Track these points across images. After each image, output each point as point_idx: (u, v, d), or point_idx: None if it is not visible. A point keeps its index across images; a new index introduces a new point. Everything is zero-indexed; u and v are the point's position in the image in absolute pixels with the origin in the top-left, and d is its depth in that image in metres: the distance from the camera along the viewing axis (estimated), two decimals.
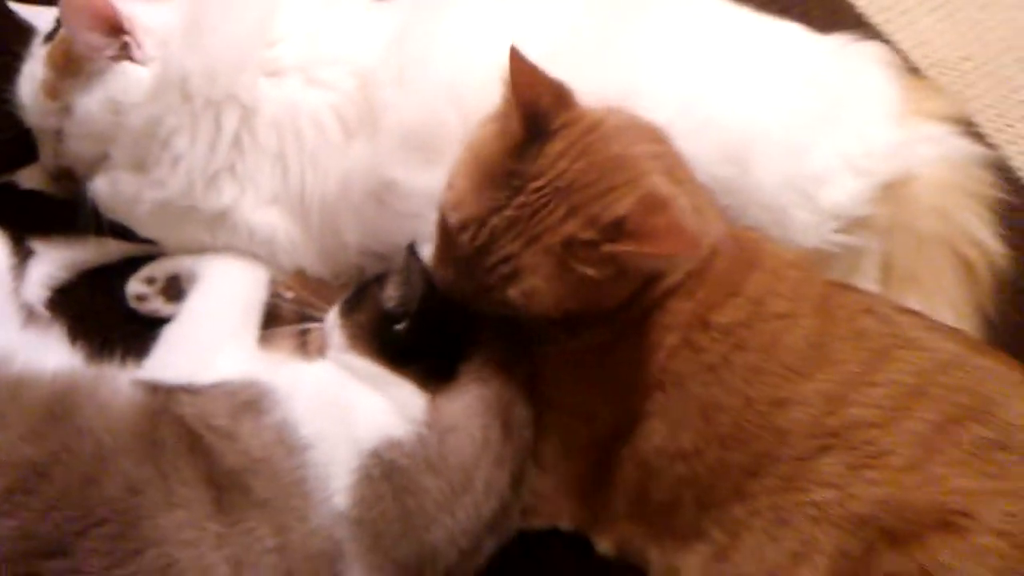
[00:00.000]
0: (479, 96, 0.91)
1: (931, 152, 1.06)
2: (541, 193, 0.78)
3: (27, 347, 0.84)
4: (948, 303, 1.02)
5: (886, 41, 1.31)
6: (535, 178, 0.79)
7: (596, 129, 0.82)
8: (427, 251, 0.91)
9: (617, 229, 0.77)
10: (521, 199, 0.79)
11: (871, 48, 1.12)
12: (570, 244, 0.78)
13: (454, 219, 0.81)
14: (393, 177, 0.95)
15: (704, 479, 0.83)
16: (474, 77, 0.93)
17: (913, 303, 1.00)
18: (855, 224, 1.01)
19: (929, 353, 0.83)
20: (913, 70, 1.28)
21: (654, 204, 0.78)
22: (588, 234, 0.78)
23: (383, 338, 0.86)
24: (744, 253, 0.89)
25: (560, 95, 0.81)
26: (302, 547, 0.75)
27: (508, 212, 0.79)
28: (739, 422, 0.82)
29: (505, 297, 0.81)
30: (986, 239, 1.05)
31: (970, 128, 1.20)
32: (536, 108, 0.79)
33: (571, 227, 0.78)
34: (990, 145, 1.22)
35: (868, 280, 1.03)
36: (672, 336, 0.85)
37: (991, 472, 0.75)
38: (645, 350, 0.86)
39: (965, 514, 0.72)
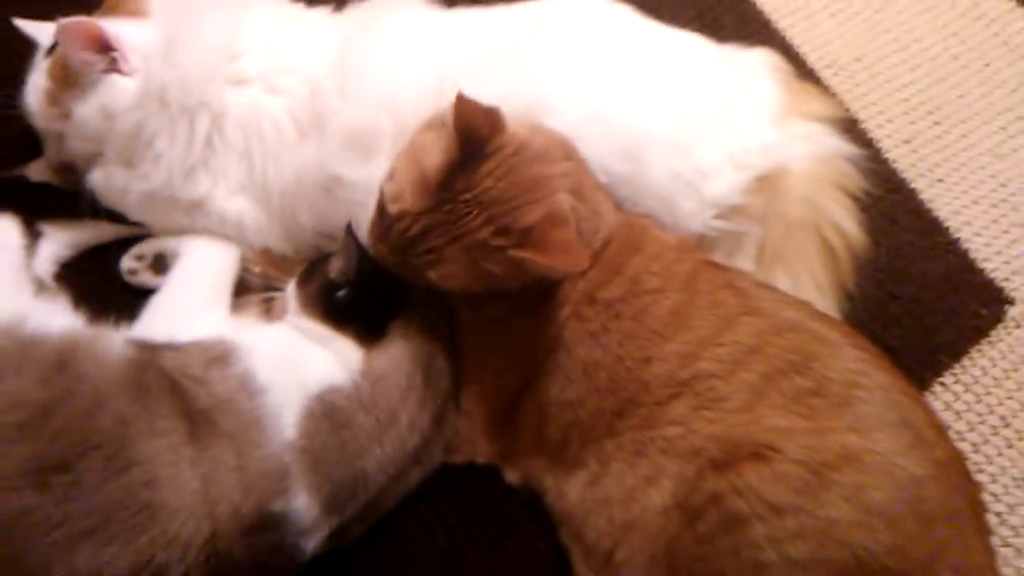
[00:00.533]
0: (409, 105, 1.07)
1: (805, 149, 1.20)
2: (467, 204, 0.94)
3: (38, 312, 1.00)
4: (811, 280, 1.17)
5: (787, 45, 1.46)
6: (464, 191, 0.94)
7: (520, 152, 0.97)
8: (365, 231, 1.08)
9: (523, 237, 0.94)
10: (450, 206, 0.94)
11: (761, 56, 1.25)
12: (483, 247, 0.94)
13: (393, 209, 0.97)
14: (338, 172, 1.09)
15: (585, 422, 1.01)
16: (404, 89, 1.08)
17: (781, 280, 1.16)
18: (733, 211, 1.15)
19: (769, 319, 1.00)
20: (807, 72, 1.42)
21: (556, 221, 0.95)
22: (499, 241, 0.94)
23: (328, 303, 1.05)
24: (631, 238, 1.06)
25: (494, 124, 0.95)
26: (258, 468, 0.93)
27: (438, 215, 0.95)
28: (612, 376, 0.99)
29: (425, 276, 0.98)
30: (847, 225, 1.20)
31: (851, 125, 1.36)
32: (472, 137, 0.93)
33: (485, 234, 0.94)
34: (869, 140, 1.38)
35: (746, 260, 1.18)
36: (565, 309, 1.02)
37: (803, 414, 0.92)
38: (543, 320, 1.03)
39: (772, 447, 0.89)
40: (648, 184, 1.12)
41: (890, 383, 0.96)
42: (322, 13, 1.21)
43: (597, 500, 0.99)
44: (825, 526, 0.87)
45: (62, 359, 0.94)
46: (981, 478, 1.12)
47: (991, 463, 1.13)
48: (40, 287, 1.09)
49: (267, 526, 0.93)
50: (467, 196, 0.95)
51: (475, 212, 0.94)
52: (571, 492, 1.02)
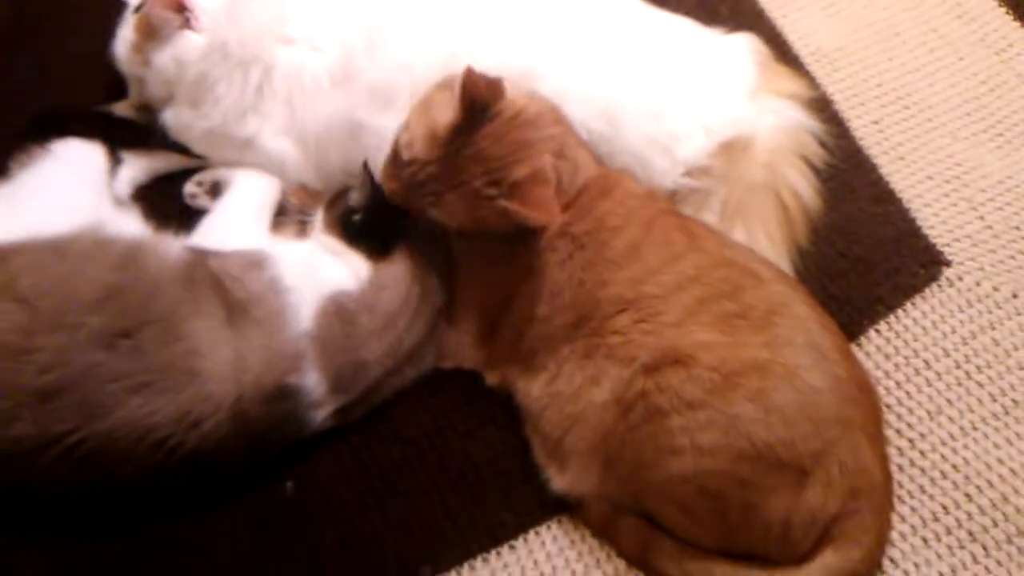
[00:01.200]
0: (424, 67, 1.27)
1: (772, 121, 1.37)
2: (466, 159, 1.12)
3: (115, 220, 1.24)
4: (765, 235, 1.34)
5: (776, 33, 1.62)
6: (464, 148, 1.12)
7: (516, 118, 1.14)
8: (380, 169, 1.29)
9: (510, 190, 1.12)
10: (452, 159, 1.12)
11: (742, 39, 1.42)
12: (477, 195, 1.13)
13: (405, 155, 1.16)
14: (361, 119, 1.30)
15: (550, 333, 1.20)
16: (420, 53, 1.28)
17: (739, 233, 1.33)
18: (700, 172, 1.32)
19: (711, 256, 1.17)
20: (792, 58, 1.58)
21: (538, 180, 1.13)
22: (490, 191, 1.13)
23: (345, 225, 1.27)
24: (604, 187, 1.23)
25: (495, 93, 1.13)
26: (279, 348, 1.15)
27: (442, 165, 1.13)
28: (573, 296, 1.18)
29: (427, 212, 1.17)
30: (803, 190, 1.37)
31: (824, 106, 1.52)
32: (475, 105, 1.11)
33: (479, 184, 1.13)
34: (841, 120, 1.54)
35: (711, 215, 1.34)
36: (543, 240, 1.21)
37: (725, 331, 1.10)
38: (522, 250, 1.21)
39: (691, 356, 1.08)
40: (625, 143, 1.30)
41: (807, 314, 1.13)
42: None
43: (552, 396, 1.18)
44: (729, 420, 1.05)
45: (131, 254, 1.18)
46: (900, 410, 1.27)
47: (911, 398, 1.28)
48: (118, 202, 1.33)
49: (283, 396, 1.15)
50: (467, 152, 1.12)
51: (472, 166, 1.13)
52: (534, 390, 1.21)
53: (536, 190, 1.12)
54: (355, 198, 1.27)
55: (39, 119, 1.42)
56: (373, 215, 1.25)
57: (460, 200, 1.15)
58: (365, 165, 1.25)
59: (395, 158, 1.19)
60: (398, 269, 1.26)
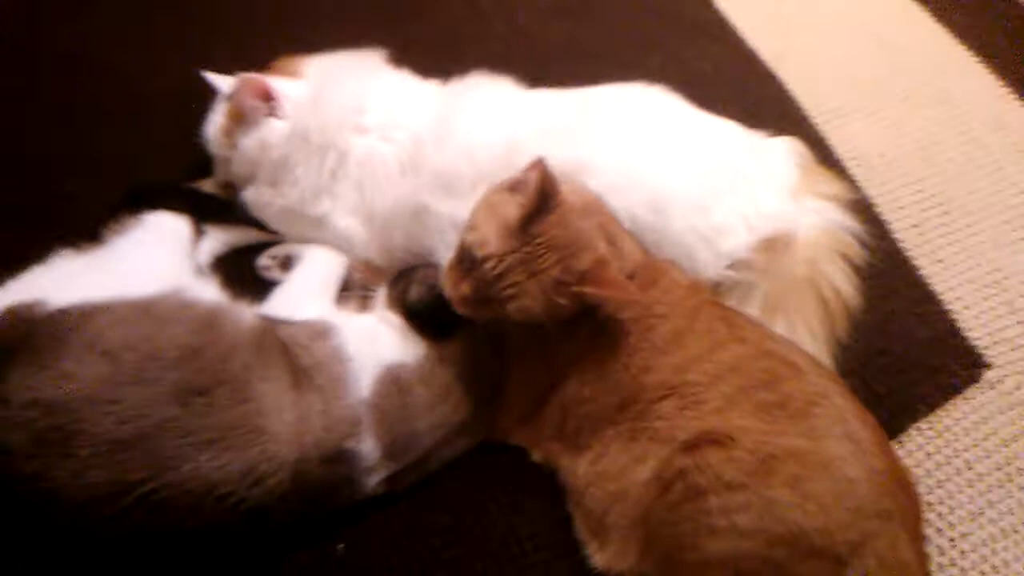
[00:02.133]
0: (484, 157, 1.38)
1: (813, 220, 1.44)
2: (540, 247, 1.17)
3: (196, 286, 1.33)
4: (806, 328, 1.39)
5: (819, 138, 1.71)
6: (538, 236, 1.17)
7: (572, 208, 1.21)
8: (449, 253, 1.35)
9: (581, 277, 1.18)
10: (529, 249, 1.17)
11: (785, 142, 1.51)
12: (555, 284, 1.18)
13: (478, 253, 1.18)
14: (426, 203, 1.40)
15: (595, 414, 1.25)
16: (481, 145, 1.38)
17: (780, 326, 1.38)
18: (743, 265, 1.39)
19: (752, 347, 1.22)
20: (834, 162, 1.66)
21: (603, 264, 1.20)
22: (566, 278, 1.19)
23: (406, 305, 1.35)
24: (650, 276, 1.30)
25: (555, 184, 1.20)
26: (339, 413, 1.22)
27: (520, 255, 1.18)
28: (618, 380, 1.23)
29: (504, 309, 1.20)
30: (843, 287, 1.42)
31: (864, 208, 1.59)
32: (547, 192, 1.18)
33: (557, 271, 1.18)
34: (881, 222, 1.60)
35: (753, 307, 1.40)
36: (591, 326, 1.25)
37: (764, 419, 1.14)
38: (573, 334, 1.26)
39: (731, 437, 1.12)
40: (670, 235, 1.37)
41: (845, 407, 1.17)
42: (432, 84, 1.55)
43: (597, 474, 1.23)
44: (767, 503, 1.08)
45: (209, 319, 1.27)
46: (941, 509, 1.29)
47: (952, 497, 1.29)
48: (198, 270, 1.44)
49: (340, 459, 1.22)
50: (540, 240, 1.18)
51: (548, 254, 1.19)
52: (579, 468, 1.26)
53: (605, 273, 1.19)
54: (416, 295, 1.35)
55: (133, 192, 1.55)
56: (432, 305, 1.32)
57: (539, 289, 1.19)
58: (430, 267, 1.35)
59: (463, 261, 1.22)
60: (455, 347, 1.33)
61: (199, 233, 1.50)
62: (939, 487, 1.31)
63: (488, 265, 1.19)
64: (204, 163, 1.61)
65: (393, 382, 1.27)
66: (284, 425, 1.20)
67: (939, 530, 1.27)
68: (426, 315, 1.34)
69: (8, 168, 1.69)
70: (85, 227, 1.47)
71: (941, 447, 1.34)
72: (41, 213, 1.62)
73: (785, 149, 1.50)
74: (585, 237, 1.21)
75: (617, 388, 1.24)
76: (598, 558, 1.22)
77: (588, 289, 1.17)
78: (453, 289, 1.23)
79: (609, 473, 1.22)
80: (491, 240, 1.19)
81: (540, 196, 1.18)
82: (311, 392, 1.24)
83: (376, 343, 1.32)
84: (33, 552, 1.24)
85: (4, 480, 1.18)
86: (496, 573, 1.24)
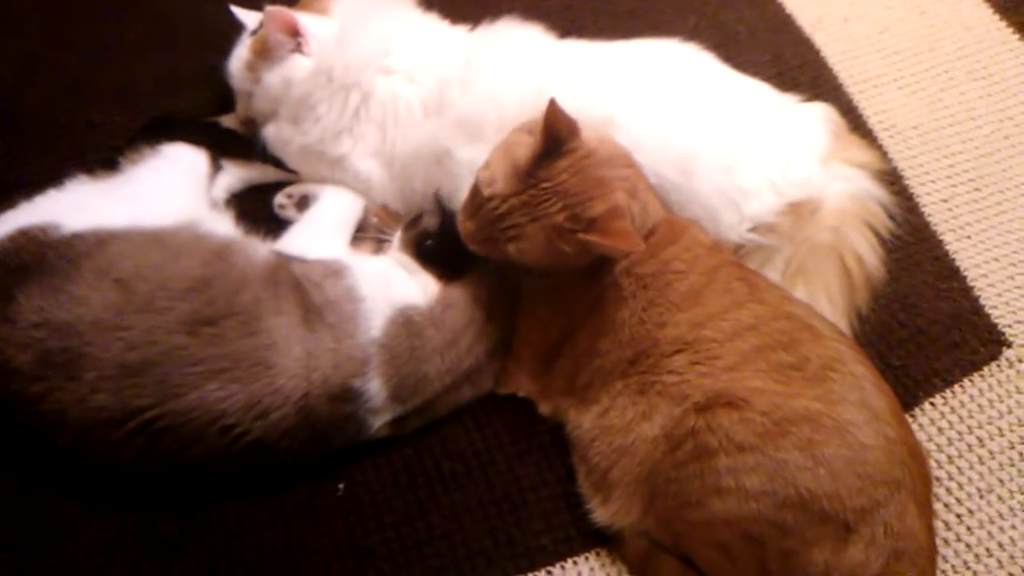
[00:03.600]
0: (512, 104, 1.34)
1: (841, 187, 1.40)
2: (546, 191, 1.17)
3: (210, 220, 1.34)
4: (826, 295, 1.35)
5: (853, 106, 1.66)
6: (544, 180, 1.17)
7: (590, 156, 1.20)
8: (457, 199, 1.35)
9: (590, 224, 1.16)
10: (532, 192, 1.18)
11: (817, 107, 1.47)
12: (558, 229, 1.17)
13: (486, 191, 1.21)
14: (448, 148, 1.37)
15: (607, 368, 1.23)
16: (509, 92, 1.35)
17: (800, 292, 1.35)
18: (767, 229, 1.36)
19: (771, 308, 1.20)
20: (866, 131, 1.62)
21: (616, 214, 1.17)
22: (571, 225, 1.17)
23: (420, 247, 1.34)
24: (672, 233, 1.28)
25: (572, 129, 1.19)
26: (348, 352, 1.21)
27: (524, 197, 1.18)
28: (633, 333, 1.22)
29: (505, 249, 1.21)
30: (867, 256, 1.39)
31: (894, 179, 1.55)
32: (555, 135, 1.17)
33: (560, 218, 1.17)
34: (910, 195, 1.56)
35: (774, 271, 1.37)
36: (608, 278, 1.25)
37: (779, 380, 1.12)
38: (588, 286, 1.26)
39: (744, 400, 1.10)
40: (695, 194, 1.34)
41: (862, 373, 1.15)
42: (461, 29, 1.52)
43: (603, 428, 1.21)
44: (777, 465, 1.06)
45: (222, 251, 1.26)
46: (950, 484, 1.26)
47: (962, 474, 1.27)
48: (214, 204, 1.44)
49: (347, 397, 1.21)
50: (547, 185, 1.18)
51: (552, 199, 1.18)
52: (585, 422, 1.24)
53: (615, 223, 1.16)
54: (429, 223, 1.34)
55: (153, 123, 1.54)
56: (445, 241, 1.32)
57: (540, 233, 1.18)
58: (437, 193, 1.32)
59: (474, 197, 1.24)
60: (467, 291, 1.32)
61: (216, 168, 1.49)
62: (950, 463, 1.29)
63: (491, 205, 1.19)
64: (228, 98, 1.59)
65: (404, 324, 1.26)
66: (292, 360, 1.19)
67: (947, 505, 1.25)
68: (437, 247, 1.32)
69: (39, 94, 1.69)
70: (105, 155, 1.47)
71: (954, 423, 1.32)
72: (64, 139, 1.62)
73: (817, 114, 1.46)
74: (600, 186, 1.19)
75: (631, 342, 1.22)
76: (600, 513, 1.21)
77: (592, 237, 1.15)
78: (462, 224, 1.24)
79: (616, 427, 1.20)
80: (498, 180, 1.19)
81: (548, 139, 1.17)
82: (321, 329, 1.23)
83: (389, 285, 1.30)
84: (37, 471, 1.25)
85: (10, 400, 1.19)
86: (496, 522, 1.23)
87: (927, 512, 1.12)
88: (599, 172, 1.21)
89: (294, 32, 1.44)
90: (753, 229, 1.37)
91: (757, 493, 1.07)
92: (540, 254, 1.20)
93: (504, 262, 1.26)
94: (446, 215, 1.31)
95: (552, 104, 1.16)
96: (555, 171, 1.18)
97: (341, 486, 1.26)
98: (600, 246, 1.16)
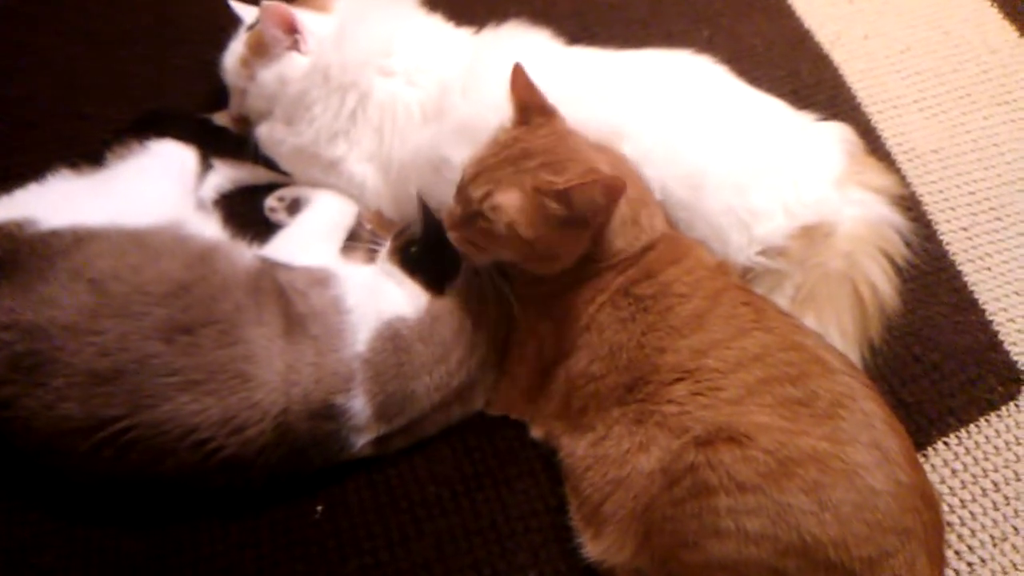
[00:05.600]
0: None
1: (856, 212, 1.34)
2: (525, 151, 1.12)
3: (195, 221, 1.28)
4: (837, 325, 1.29)
5: (871, 128, 1.60)
6: (523, 141, 1.13)
7: (573, 135, 1.17)
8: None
9: (569, 178, 1.09)
10: (508, 151, 1.13)
11: (834, 127, 1.41)
12: (538, 184, 1.09)
13: (465, 169, 1.15)
14: (447, 155, 1.31)
15: (602, 393, 1.17)
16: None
17: (809, 320, 1.28)
18: (777, 252, 1.30)
19: (778, 337, 1.14)
20: (884, 154, 1.56)
21: (595, 170, 1.12)
22: (550, 177, 1.09)
23: (405, 254, 1.28)
24: (674, 252, 1.22)
25: (544, 104, 1.16)
26: (331, 367, 1.15)
27: (501, 156, 1.12)
28: (631, 358, 1.16)
29: (484, 216, 1.11)
30: (881, 285, 1.33)
31: (912, 204, 1.49)
32: (528, 102, 1.14)
33: (539, 170, 1.10)
34: (929, 221, 1.50)
35: (784, 297, 1.31)
36: (603, 296, 1.19)
37: (785, 416, 1.05)
38: (583, 303, 1.20)
39: (748, 436, 1.03)
40: (703, 212, 1.29)
41: (873, 411, 1.08)
42: (465, 31, 1.46)
43: (597, 458, 1.15)
44: (780, 509, 0.99)
45: (205, 255, 1.20)
46: (962, 531, 1.20)
47: (975, 520, 1.21)
48: (201, 205, 1.37)
49: (328, 415, 1.15)
50: (525, 145, 1.13)
51: (531, 157, 1.12)
52: (579, 449, 1.18)
53: (592, 174, 1.10)
54: (414, 229, 1.28)
55: (142, 117, 1.48)
56: (429, 247, 1.26)
57: (515, 182, 1.11)
58: (419, 198, 1.26)
59: (460, 194, 1.18)
60: (455, 304, 1.25)
61: (206, 167, 1.43)
62: (962, 507, 1.22)
63: (469, 171, 1.14)
64: (221, 94, 1.53)
65: (391, 338, 1.20)
66: (272, 373, 1.13)
67: (958, 553, 1.19)
68: (422, 254, 1.26)
69: (28, 85, 1.63)
70: (95, 149, 1.42)
71: (969, 465, 1.26)
72: (54, 132, 1.56)
73: (834, 135, 1.40)
74: (582, 154, 1.15)
75: (628, 367, 1.16)
76: (591, 548, 1.14)
77: (574, 182, 1.07)
78: (448, 216, 1.18)
79: (610, 457, 1.14)
80: (478, 152, 1.16)
81: (520, 107, 1.16)
82: (304, 341, 1.17)
83: (377, 296, 1.24)
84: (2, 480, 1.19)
85: None
86: (481, 553, 1.17)
87: (939, 562, 1.05)
88: (580, 145, 1.17)
89: (292, 28, 1.39)
90: (763, 252, 1.30)
91: (758, 537, 1.00)
92: (517, 213, 1.10)
93: (487, 264, 1.20)
94: (430, 220, 1.24)
95: (517, 70, 1.15)
96: (533, 134, 1.15)
97: (319, 508, 1.20)
98: (580, 189, 1.07)
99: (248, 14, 1.50)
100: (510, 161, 1.13)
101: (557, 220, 1.11)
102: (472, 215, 1.14)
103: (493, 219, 1.11)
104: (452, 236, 1.18)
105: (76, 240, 1.16)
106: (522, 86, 1.16)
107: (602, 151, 1.20)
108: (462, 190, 1.16)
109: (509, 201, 1.10)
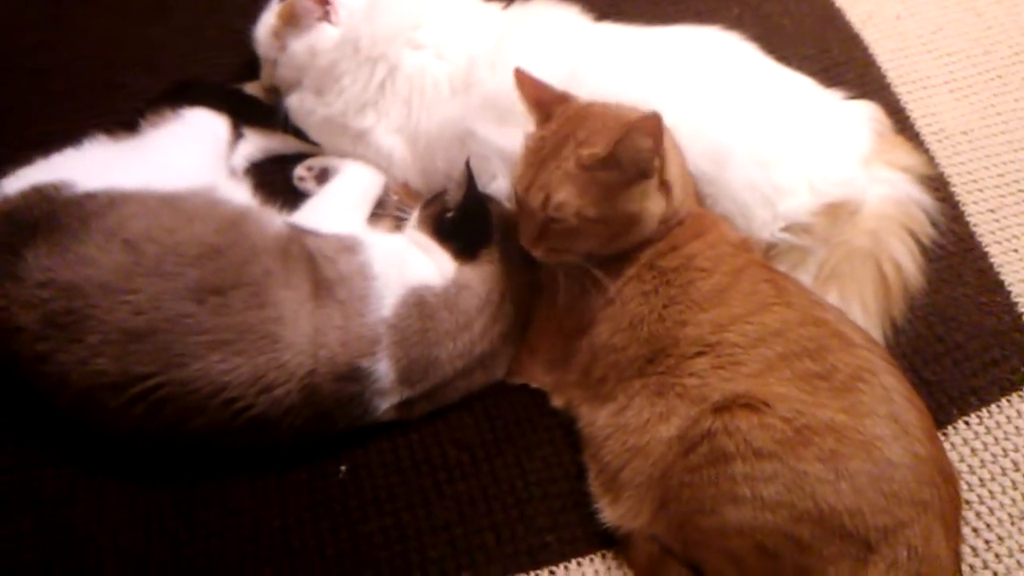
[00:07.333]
0: None
1: (883, 190, 1.34)
2: (556, 143, 1.14)
3: (226, 187, 1.30)
4: (860, 302, 1.30)
5: (900, 108, 1.59)
6: (550, 137, 1.14)
7: (593, 104, 1.18)
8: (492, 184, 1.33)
9: (607, 141, 1.10)
10: (542, 152, 1.14)
11: (863, 106, 1.40)
12: (580, 161, 1.11)
13: (519, 188, 1.17)
14: (473, 128, 1.33)
15: (623, 364, 1.18)
16: (540, 73, 1.27)
17: (832, 297, 1.29)
18: (801, 229, 1.30)
19: (798, 313, 1.14)
20: (913, 135, 1.55)
21: (623, 120, 1.12)
22: (592, 151, 1.11)
23: (438, 223, 1.29)
24: (698, 227, 1.23)
25: (555, 95, 1.17)
26: (357, 331, 1.18)
27: (539, 156, 1.14)
28: (653, 331, 1.16)
29: (549, 215, 1.13)
30: (906, 264, 1.32)
31: (940, 185, 1.48)
32: (542, 99, 1.16)
33: (581, 151, 1.12)
34: (956, 202, 1.49)
35: (807, 274, 1.32)
36: (630, 270, 1.20)
37: (803, 388, 1.06)
38: (609, 276, 1.21)
39: (766, 403, 1.04)
40: (728, 188, 1.29)
41: (893, 385, 1.08)
42: (494, 6, 1.48)
43: (618, 427, 1.16)
44: (796, 476, 1.00)
45: (236, 219, 1.23)
46: (980, 508, 1.20)
47: (993, 498, 1.20)
48: (232, 173, 1.41)
49: (354, 377, 1.17)
50: (554, 138, 1.15)
51: (564, 145, 1.13)
52: (599, 419, 1.19)
53: (624, 125, 1.11)
54: (451, 196, 1.29)
55: (175, 87, 1.51)
56: (465, 215, 1.28)
57: (569, 181, 1.12)
58: (467, 164, 1.27)
59: (518, 203, 1.21)
60: (482, 273, 1.27)
61: (237, 135, 1.46)
62: (981, 485, 1.22)
63: (518, 188, 1.17)
64: (253, 65, 1.56)
65: (417, 305, 1.22)
66: (299, 335, 1.15)
67: (976, 530, 1.19)
68: (459, 220, 1.28)
69: (64, 56, 1.67)
70: (130, 117, 1.45)
71: (989, 444, 1.25)
72: (88, 101, 1.59)
73: (862, 113, 1.40)
74: (615, 118, 1.16)
75: (650, 339, 1.17)
76: (608, 513, 1.16)
77: (610, 142, 1.09)
78: (524, 239, 1.20)
79: (630, 426, 1.15)
80: (516, 170, 1.19)
81: (536, 106, 1.17)
82: (331, 306, 1.19)
83: (403, 264, 1.26)
84: (37, 434, 1.23)
85: (12, 359, 1.16)
86: (500, 516, 1.19)
87: (955, 536, 1.06)
88: (609, 112, 1.18)
89: (323, 0, 1.40)
90: (787, 228, 1.30)
91: (774, 504, 1.01)
92: (586, 204, 1.12)
93: (580, 262, 1.20)
94: (471, 188, 1.26)
95: (519, 73, 1.17)
96: (558, 125, 1.16)
97: (343, 468, 1.22)
98: (626, 139, 1.08)
99: None
100: (549, 158, 1.14)
101: (618, 186, 1.13)
102: (543, 225, 1.16)
103: (562, 217, 1.13)
104: (536, 254, 1.19)
105: (111, 202, 1.19)
106: (529, 87, 1.18)
107: (634, 110, 1.20)
108: (522, 207, 1.18)
109: (566, 193, 1.12)
